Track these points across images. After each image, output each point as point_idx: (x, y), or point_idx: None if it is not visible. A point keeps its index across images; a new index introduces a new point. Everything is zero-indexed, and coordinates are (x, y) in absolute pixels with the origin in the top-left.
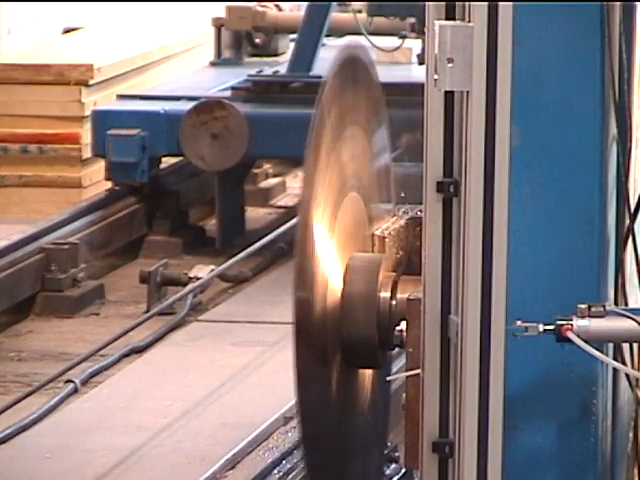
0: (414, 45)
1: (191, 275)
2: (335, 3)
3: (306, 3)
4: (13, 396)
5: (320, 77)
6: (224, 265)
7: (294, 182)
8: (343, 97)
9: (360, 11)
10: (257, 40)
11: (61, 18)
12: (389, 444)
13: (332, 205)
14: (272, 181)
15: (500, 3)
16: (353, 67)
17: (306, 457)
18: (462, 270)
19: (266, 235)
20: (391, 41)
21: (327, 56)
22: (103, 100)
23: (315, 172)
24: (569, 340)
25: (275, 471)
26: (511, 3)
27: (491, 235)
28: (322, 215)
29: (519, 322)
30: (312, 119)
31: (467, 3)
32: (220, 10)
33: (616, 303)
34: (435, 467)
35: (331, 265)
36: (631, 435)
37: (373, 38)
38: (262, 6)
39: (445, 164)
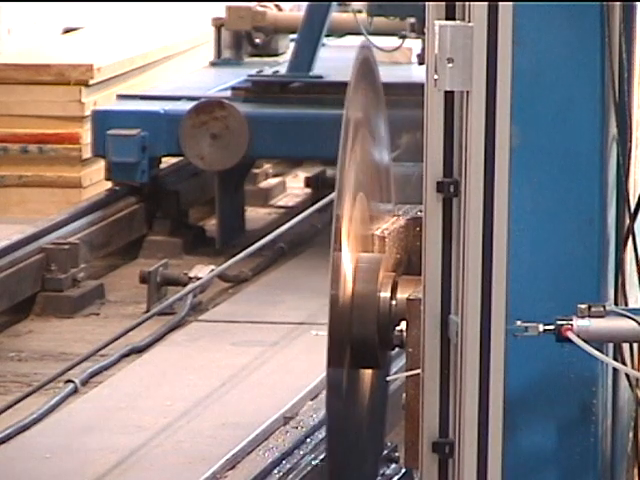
0: (414, 45)
1: (191, 275)
2: (335, 3)
3: (306, 3)
4: (13, 396)
5: (320, 77)
6: (224, 265)
7: (294, 182)
8: (359, 98)
9: (360, 11)
10: (257, 40)
11: (61, 18)
12: (389, 444)
13: (350, 206)
14: (272, 181)
15: (500, 3)
16: (367, 68)
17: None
18: (462, 270)
19: (266, 235)
20: (391, 41)
21: (327, 56)
22: (103, 100)
23: (344, 173)
24: (569, 340)
25: (275, 471)
26: (511, 3)
27: (491, 235)
28: (347, 215)
29: (519, 322)
30: (343, 121)
31: (467, 3)
32: (220, 10)
33: (616, 303)
34: (435, 467)
35: (349, 265)
36: (631, 435)
37: (373, 38)
38: (262, 6)
39: (445, 164)
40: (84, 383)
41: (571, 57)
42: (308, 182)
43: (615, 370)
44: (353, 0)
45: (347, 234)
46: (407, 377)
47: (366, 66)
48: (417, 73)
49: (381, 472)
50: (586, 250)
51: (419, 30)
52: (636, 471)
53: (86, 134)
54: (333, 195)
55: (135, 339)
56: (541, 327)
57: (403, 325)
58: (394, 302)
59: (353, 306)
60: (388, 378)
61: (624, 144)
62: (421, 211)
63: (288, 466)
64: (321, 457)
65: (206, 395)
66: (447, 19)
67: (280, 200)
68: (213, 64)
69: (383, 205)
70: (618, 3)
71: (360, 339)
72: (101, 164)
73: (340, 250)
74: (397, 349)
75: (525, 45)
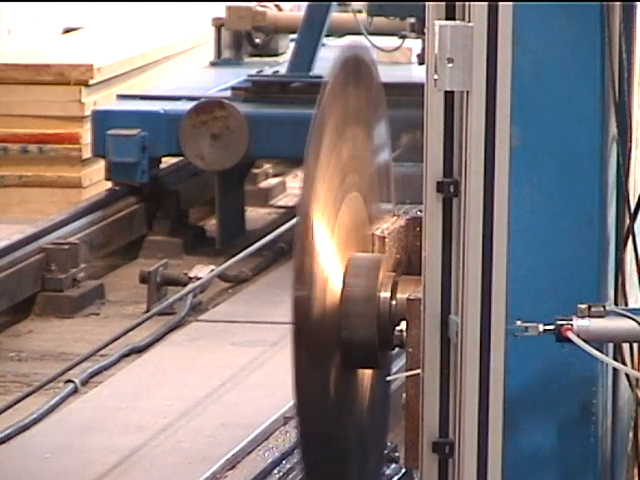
0: (414, 45)
1: (191, 275)
2: (335, 3)
3: (306, 3)
4: (13, 396)
5: (320, 77)
6: (224, 265)
7: (294, 182)
8: (344, 97)
9: (360, 11)
10: (257, 40)
11: (61, 18)
12: (389, 444)
13: (332, 205)
14: (272, 181)
15: (500, 3)
16: (355, 67)
17: (304, 458)
18: (462, 270)
19: (266, 235)
20: (391, 41)
21: (327, 56)
22: (103, 100)
23: (315, 172)
24: (569, 340)
25: (275, 471)
26: (511, 3)
27: (491, 235)
28: (322, 215)
29: (519, 322)
30: (313, 119)
31: (467, 3)
32: (220, 10)
33: (616, 303)
34: (435, 467)
35: (331, 265)
36: (631, 435)
37: (373, 38)
38: (262, 6)
39: (445, 164)
40: (84, 383)
41: (571, 57)
42: None
43: (615, 370)
44: (353, 0)
45: (331, 232)
46: (407, 377)
47: (353, 66)
48: (417, 73)
49: (381, 472)
50: (586, 250)
51: (419, 30)
52: (636, 471)
53: (86, 134)
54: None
55: (135, 339)
56: (541, 327)
57: (403, 325)
58: (394, 302)
59: (352, 306)
60: (388, 378)
61: (624, 144)
62: (421, 211)
63: (288, 466)
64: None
65: (206, 395)
66: (447, 19)
67: (280, 200)
68: (213, 64)
69: (383, 205)
70: (618, 3)
71: (360, 339)
72: (101, 164)
73: (310, 253)
74: (397, 349)
75: (525, 45)
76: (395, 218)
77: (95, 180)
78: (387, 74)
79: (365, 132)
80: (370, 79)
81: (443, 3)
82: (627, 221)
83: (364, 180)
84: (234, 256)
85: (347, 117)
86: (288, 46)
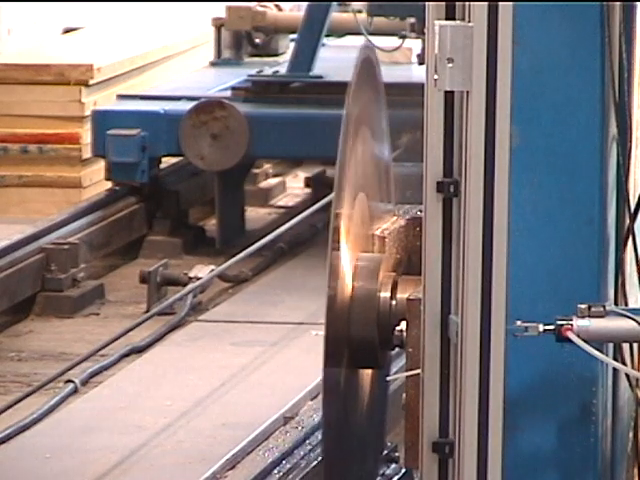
0: (414, 45)
1: (191, 275)
2: (335, 3)
3: (306, 3)
4: (13, 396)
5: (320, 77)
6: (224, 265)
7: (294, 182)
8: (360, 97)
9: (360, 11)
10: (257, 40)
11: (61, 18)
12: (389, 444)
13: (349, 205)
14: (272, 181)
15: (500, 3)
16: (368, 68)
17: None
18: (462, 270)
19: (266, 235)
20: (391, 41)
21: (327, 56)
22: (103, 100)
23: (344, 171)
24: (569, 340)
25: (275, 471)
26: (511, 3)
27: (491, 235)
28: (345, 217)
29: (519, 322)
30: (342, 118)
31: (467, 3)
32: (220, 10)
33: (616, 303)
34: (435, 467)
35: (347, 265)
36: (631, 435)
37: (373, 38)
38: (262, 6)
39: (445, 164)
40: (84, 383)
41: (571, 57)
42: (308, 182)
43: (615, 370)
44: (353, 0)
45: (346, 233)
46: (407, 377)
47: (368, 66)
48: (417, 73)
49: (381, 472)
50: (586, 250)
51: (419, 30)
52: (636, 471)
53: (86, 134)
54: (333, 194)
55: (135, 339)
56: (541, 327)
57: (403, 325)
58: (394, 302)
59: (352, 306)
60: (388, 378)
61: (624, 144)
62: (421, 211)
63: (288, 466)
64: (321, 457)
65: (206, 395)
66: (447, 19)
67: (280, 200)
68: (213, 64)
69: (383, 205)
70: (618, 3)
71: (360, 339)
72: (101, 164)
73: (338, 249)
74: (397, 349)
75: (525, 45)
76: (395, 218)
77: (95, 180)
78: (387, 74)
79: (370, 132)
80: (376, 79)
81: (443, 3)
82: (627, 221)
83: (368, 180)
84: (234, 256)
85: (360, 117)
86: (288, 46)
